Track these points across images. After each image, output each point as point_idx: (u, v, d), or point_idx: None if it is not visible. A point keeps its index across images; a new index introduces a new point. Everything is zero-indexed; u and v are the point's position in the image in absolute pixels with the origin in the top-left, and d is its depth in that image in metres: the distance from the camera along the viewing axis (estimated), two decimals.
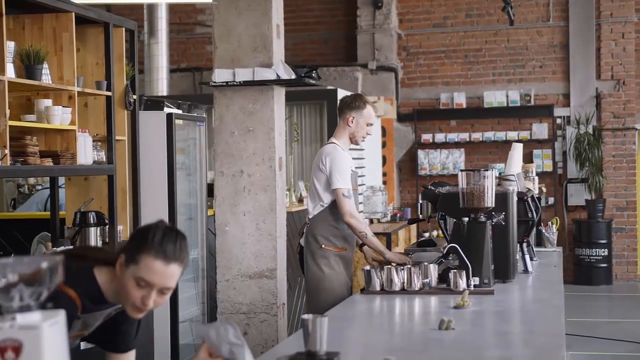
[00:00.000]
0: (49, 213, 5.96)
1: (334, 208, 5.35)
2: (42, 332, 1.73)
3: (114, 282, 2.70)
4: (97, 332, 2.85)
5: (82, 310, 2.69)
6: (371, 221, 10.84)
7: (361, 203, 10.41)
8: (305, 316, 2.75)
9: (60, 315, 1.80)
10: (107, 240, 5.83)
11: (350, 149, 5.52)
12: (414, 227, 11.50)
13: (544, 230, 6.55)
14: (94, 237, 5.61)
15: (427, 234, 12.39)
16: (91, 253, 2.82)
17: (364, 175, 10.90)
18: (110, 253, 2.78)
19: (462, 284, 4.28)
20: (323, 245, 5.35)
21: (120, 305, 2.76)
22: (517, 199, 4.89)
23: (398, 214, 11.34)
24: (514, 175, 5.34)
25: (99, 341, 2.94)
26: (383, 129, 12.55)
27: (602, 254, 12.56)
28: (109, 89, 5.80)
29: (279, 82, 5.89)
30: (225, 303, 5.82)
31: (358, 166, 10.48)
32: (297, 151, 10.25)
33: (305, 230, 5.49)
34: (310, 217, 5.44)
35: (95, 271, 2.74)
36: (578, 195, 12.90)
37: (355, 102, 5.47)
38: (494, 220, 4.56)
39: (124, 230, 6.12)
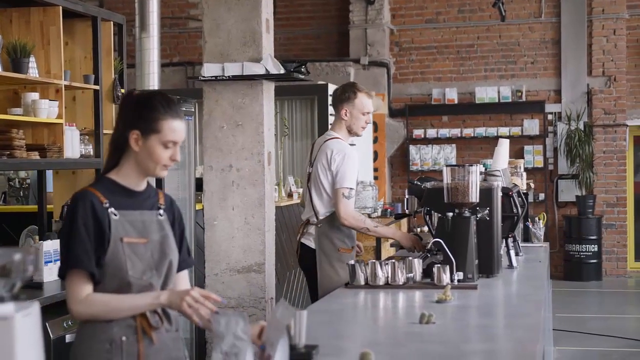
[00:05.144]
0: (36, 207, 5.96)
1: None
2: (15, 323, 1.74)
3: (132, 163, 2.93)
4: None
5: (111, 204, 2.88)
6: None
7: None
8: None
9: (34, 307, 1.82)
10: None
11: None
12: (404, 222, 11.52)
13: (530, 226, 6.57)
14: None
15: (418, 229, 12.42)
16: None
17: None
18: (110, 159, 2.99)
19: (446, 278, 4.29)
20: (340, 249, 5.22)
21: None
22: (502, 194, 4.91)
23: (389, 209, 11.36)
24: (499, 170, 5.36)
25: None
26: (375, 125, 12.58)
27: (592, 250, 12.61)
28: (96, 82, 5.80)
29: (268, 76, 5.90)
30: None
31: None
32: (287, 146, 10.26)
33: (313, 231, 5.27)
34: (320, 217, 5.23)
35: (107, 175, 2.97)
36: (569, 191, 12.94)
37: (345, 93, 5.31)
38: (478, 215, 4.57)
39: None
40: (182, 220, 3.13)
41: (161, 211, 3.03)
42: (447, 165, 4.57)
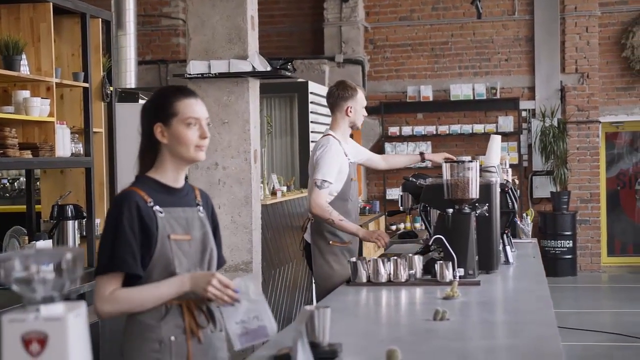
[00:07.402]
0: (24, 207, 5.86)
1: (337, 202, 5.25)
2: (67, 323, 1.71)
3: (167, 158, 2.93)
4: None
5: (155, 202, 2.88)
6: None
7: None
8: (309, 307, 2.74)
9: (82, 307, 1.78)
10: (84, 233, 5.75)
11: None
12: (382, 219, 11.55)
13: (518, 222, 6.59)
14: (72, 230, 5.53)
15: (393, 227, 12.45)
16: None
17: None
18: (143, 163, 2.98)
19: (449, 275, 4.29)
20: (330, 242, 5.29)
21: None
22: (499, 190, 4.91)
23: (367, 207, 11.38)
24: (494, 166, 5.36)
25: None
26: None
27: (567, 246, 12.71)
28: (86, 80, 5.71)
29: (254, 74, 5.87)
30: None
31: None
32: (268, 144, 10.22)
33: (309, 226, 5.37)
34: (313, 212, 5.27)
35: (147, 174, 2.95)
36: (543, 188, 13.03)
37: (347, 91, 5.47)
38: (478, 211, 4.57)
39: (101, 224, 6.04)
40: (216, 217, 3.13)
41: (201, 208, 3.02)
42: (446, 161, 4.56)
